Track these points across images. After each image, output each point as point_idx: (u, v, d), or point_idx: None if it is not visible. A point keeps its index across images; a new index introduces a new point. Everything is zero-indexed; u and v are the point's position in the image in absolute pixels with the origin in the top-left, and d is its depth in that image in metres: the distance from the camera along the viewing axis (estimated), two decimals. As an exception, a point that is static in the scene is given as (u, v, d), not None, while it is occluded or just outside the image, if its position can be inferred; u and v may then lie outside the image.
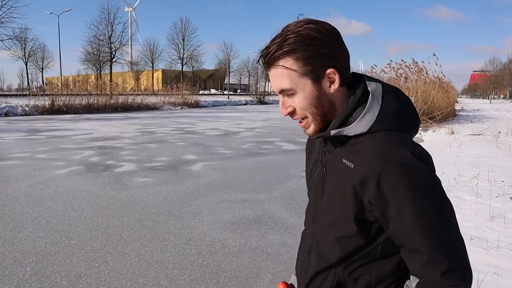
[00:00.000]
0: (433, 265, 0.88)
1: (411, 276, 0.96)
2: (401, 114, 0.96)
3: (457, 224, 0.91)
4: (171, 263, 3.49)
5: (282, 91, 0.97)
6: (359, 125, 0.94)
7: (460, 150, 9.32)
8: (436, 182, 0.90)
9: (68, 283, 3.09)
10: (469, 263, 0.90)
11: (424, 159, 0.89)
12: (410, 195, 0.86)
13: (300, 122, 1.01)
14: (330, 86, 0.95)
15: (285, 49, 0.92)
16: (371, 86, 0.97)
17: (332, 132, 0.96)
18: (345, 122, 0.96)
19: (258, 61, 0.99)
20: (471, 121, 18.63)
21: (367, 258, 0.99)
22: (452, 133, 12.80)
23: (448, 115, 18.49)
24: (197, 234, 4.16)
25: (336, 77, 0.95)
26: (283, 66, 0.94)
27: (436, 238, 0.87)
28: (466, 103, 47.47)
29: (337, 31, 0.96)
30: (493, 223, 4.22)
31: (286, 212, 4.98)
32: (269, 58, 0.95)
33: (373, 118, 0.93)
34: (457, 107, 28.62)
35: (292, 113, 0.99)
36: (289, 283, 1.23)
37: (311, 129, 1.00)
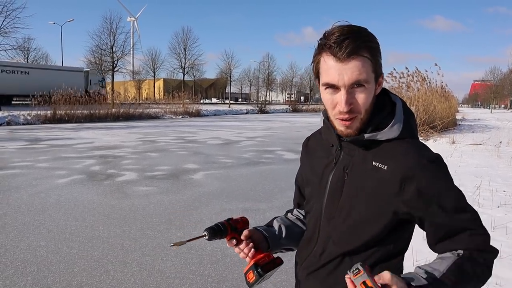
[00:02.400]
0: (481, 237, 1.00)
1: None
2: (414, 124, 1.09)
3: None
4: (172, 272, 3.49)
5: (355, 82, 0.95)
6: (391, 131, 1.02)
7: (461, 160, 9.32)
8: None
9: (69, 293, 3.09)
10: None
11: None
12: (448, 186, 1.00)
13: (347, 120, 1.00)
14: (377, 88, 1.03)
15: (365, 41, 0.95)
16: (394, 98, 1.08)
17: (366, 136, 1.02)
18: (377, 128, 1.03)
19: (328, 49, 0.95)
20: (472, 131, 18.63)
21: (379, 255, 1.04)
22: (453, 142, 12.80)
23: (449, 125, 18.51)
24: (198, 244, 4.16)
25: (382, 82, 1.05)
26: (366, 57, 0.95)
27: (476, 216, 1.01)
28: (467, 113, 47.57)
29: None
30: (495, 233, 4.20)
31: (287, 221, 4.97)
32: (353, 46, 0.92)
33: (401, 126, 1.03)
34: (458, 116, 28.67)
35: (350, 110, 0.98)
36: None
37: (355, 128, 1.01)
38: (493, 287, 3.01)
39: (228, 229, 1.11)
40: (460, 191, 1.02)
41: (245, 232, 1.13)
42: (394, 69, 18.53)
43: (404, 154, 1.00)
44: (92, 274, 3.42)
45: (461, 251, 0.99)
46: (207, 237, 1.08)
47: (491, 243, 1.01)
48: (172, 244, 1.07)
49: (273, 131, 19.81)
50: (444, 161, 1.03)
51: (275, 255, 1.18)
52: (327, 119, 1.11)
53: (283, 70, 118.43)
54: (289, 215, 1.37)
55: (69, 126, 20.82)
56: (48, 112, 23.62)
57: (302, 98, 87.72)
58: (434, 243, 1.03)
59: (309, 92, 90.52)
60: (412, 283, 0.91)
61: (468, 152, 10.76)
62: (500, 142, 12.99)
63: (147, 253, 3.89)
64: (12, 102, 32.66)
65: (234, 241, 1.12)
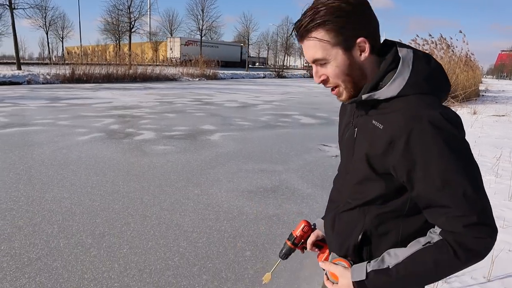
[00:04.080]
0: (458, 218, 0.90)
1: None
2: (432, 78, 1.00)
3: (483, 187, 0.94)
4: (190, 226, 3.61)
5: (315, 61, 1.03)
6: (389, 89, 0.98)
7: (482, 131, 9.13)
8: (464, 143, 0.93)
9: (93, 241, 3.25)
10: (494, 221, 0.93)
11: (452, 120, 0.92)
12: (438, 153, 0.90)
13: (332, 90, 1.07)
14: (360, 55, 1.00)
15: (317, 22, 0.97)
16: (402, 52, 1.01)
17: (363, 97, 1.01)
18: (376, 87, 1.01)
19: (291, 33, 1.04)
20: (496, 102, 18.11)
21: (395, 213, 1.04)
22: (475, 113, 12.49)
23: (472, 95, 17.99)
24: (215, 201, 4.27)
25: (366, 46, 0.99)
26: (315, 38, 0.99)
27: (463, 194, 0.89)
28: (491, 84, 46.00)
29: (365, 0, 0.99)
30: (512, 202, 4.19)
31: (303, 183, 5.03)
32: (302, 30, 1.00)
33: (403, 83, 0.97)
34: (481, 87, 27.79)
35: (324, 81, 1.05)
36: (312, 224, 1.38)
37: (343, 96, 1.07)
38: (506, 253, 3.04)
39: (295, 248, 1.37)
40: (459, 163, 0.90)
41: (309, 244, 1.34)
42: (417, 35, 17.92)
43: (400, 112, 0.95)
44: (113, 225, 3.57)
45: (435, 234, 0.96)
46: (282, 260, 1.39)
47: (479, 228, 0.90)
48: (264, 282, 1.43)
49: (291, 95, 19.63)
50: (453, 124, 0.92)
51: None
52: None
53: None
54: None
55: (87, 86, 21.03)
56: (67, 72, 23.82)
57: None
58: (421, 208, 0.99)
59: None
60: (352, 279, 1.02)
61: (490, 123, 10.52)
62: (524, 114, 12.61)
63: (166, 208, 4.02)
64: (32, 62, 35.60)
65: (304, 250, 1.38)
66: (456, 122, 0.93)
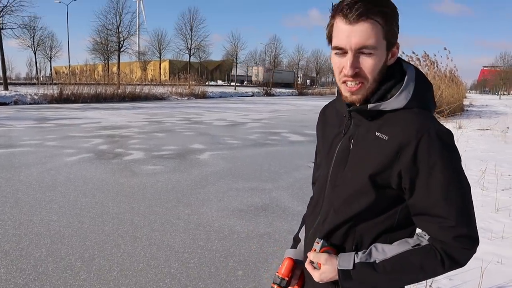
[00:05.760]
0: (450, 229, 0.95)
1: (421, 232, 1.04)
2: (429, 95, 1.05)
3: (472, 201, 1.00)
4: (181, 247, 3.59)
5: (362, 48, 0.95)
6: (397, 101, 1.00)
7: (467, 145, 9.31)
8: (460, 159, 1.00)
9: (83, 264, 3.20)
10: (478, 234, 0.99)
11: (452, 136, 0.99)
12: (442, 165, 0.95)
13: (352, 86, 0.99)
14: (390, 58, 1.01)
15: (381, 7, 0.94)
16: (406, 66, 1.05)
17: (370, 106, 1.01)
18: (382, 98, 1.01)
19: (340, 11, 0.95)
20: (480, 116, 18.51)
21: (384, 226, 1.05)
22: (460, 127, 12.74)
23: (456, 110, 18.36)
24: (206, 220, 4.26)
25: (397, 52, 1.02)
26: (376, 21, 0.94)
27: (457, 207, 0.95)
28: (474, 99, 47.03)
29: None
30: (499, 215, 4.26)
31: (293, 201, 5.05)
32: (363, 9, 0.92)
33: (409, 96, 1.00)
34: (466, 102, 28.41)
35: (356, 74, 0.97)
36: (294, 258, 1.27)
37: (359, 96, 1.01)
38: (495, 265, 3.08)
39: None
40: (458, 178, 0.96)
41: (296, 280, 1.23)
42: (403, 52, 18.34)
43: (406, 123, 0.97)
44: (103, 247, 3.53)
45: (424, 239, 1.00)
46: None
47: (467, 240, 0.96)
48: None
49: (279, 113, 19.79)
50: (453, 141, 0.98)
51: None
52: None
53: (289, 53, 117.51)
54: None
55: (75, 106, 20.93)
56: (55, 91, 23.71)
57: (308, 81, 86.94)
58: (412, 215, 1.03)
59: (315, 75, 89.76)
60: (339, 266, 1.01)
61: (475, 137, 10.73)
62: (507, 127, 12.90)
63: (156, 229, 3.99)
64: (20, 82, 35.65)
65: None
66: (454, 139, 0.99)
